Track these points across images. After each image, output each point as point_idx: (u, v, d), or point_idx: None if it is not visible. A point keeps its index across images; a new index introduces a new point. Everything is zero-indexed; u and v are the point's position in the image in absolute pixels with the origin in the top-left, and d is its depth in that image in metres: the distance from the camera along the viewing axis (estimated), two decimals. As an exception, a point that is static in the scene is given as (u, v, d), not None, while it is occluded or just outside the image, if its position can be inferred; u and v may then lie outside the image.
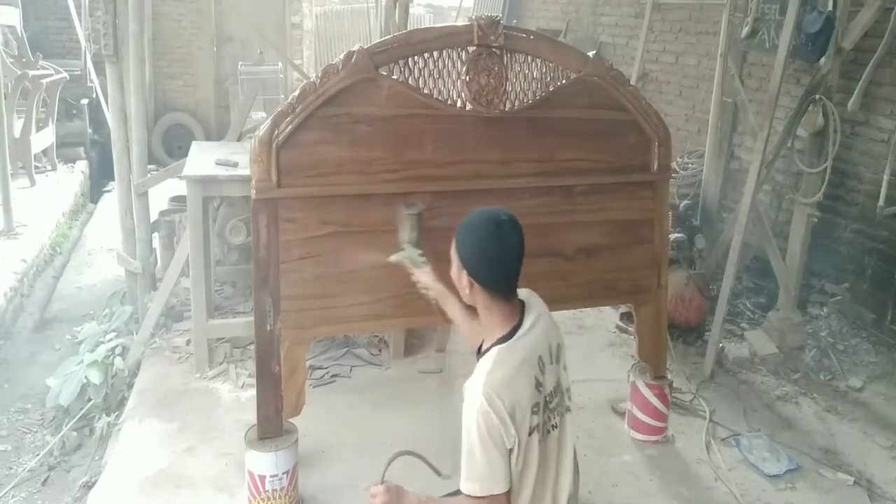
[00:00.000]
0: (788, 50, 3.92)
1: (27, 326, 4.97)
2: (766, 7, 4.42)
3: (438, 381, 3.92)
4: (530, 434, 1.79)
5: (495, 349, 1.83)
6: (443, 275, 2.72)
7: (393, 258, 2.50)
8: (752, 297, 4.99)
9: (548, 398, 1.86)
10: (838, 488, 3.22)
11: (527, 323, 1.87)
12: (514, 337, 1.84)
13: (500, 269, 1.85)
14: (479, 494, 1.75)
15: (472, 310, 2.07)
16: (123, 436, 3.35)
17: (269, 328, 2.58)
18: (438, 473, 2.02)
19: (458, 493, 1.80)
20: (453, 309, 2.32)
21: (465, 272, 1.86)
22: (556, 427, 1.90)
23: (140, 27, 4.03)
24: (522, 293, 1.95)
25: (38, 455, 3.60)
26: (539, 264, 2.87)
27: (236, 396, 3.66)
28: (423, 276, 2.44)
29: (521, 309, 1.91)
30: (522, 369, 1.80)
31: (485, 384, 1.74)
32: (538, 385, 1.82)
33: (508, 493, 1.78)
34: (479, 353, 1.93)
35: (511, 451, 1.76)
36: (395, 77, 2.64)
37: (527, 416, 1.78)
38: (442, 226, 2.75)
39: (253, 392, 2.88)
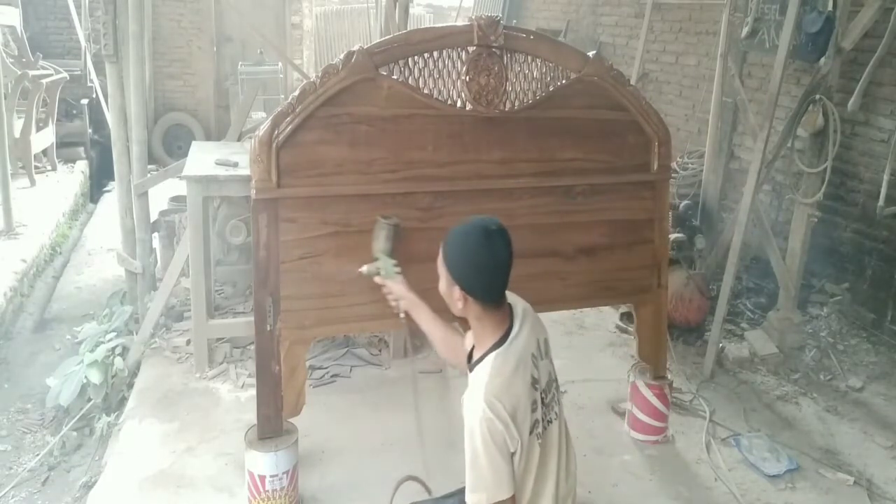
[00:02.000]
0: (788, 50, 3.92)
1: (27, 326, 4.96)
2: (766, 7, 4.42)
3: (438, 381, 3.92)
4: (531, 432, 1.80)
5: (491, 356, 1.82)
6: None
7: (364, 269, 2.48)
8: (752, 297, 4.99)
9: (543, 393, 1.87)
10: (838, 488, 3.22)
11: (516, 325, 1.88)
12: (507, 341, 1.84)
13: (494, 280, 1.84)
14: (488, 499, 1.75)
15: (445, 319, 2.08)
16: (123, 436, 3.35)
17: (269, 328, 2.58)
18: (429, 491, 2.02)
19: None
20: (426, 320, 2.30)
21: (456, 287, 1.84)
22: (554, 420, 1.91)
23: (140, 27, 4.03)
24: (511, 298, 1.95)
25: (38, 455, 3.60)
26: (539, 264, 2.88)
27: (236, 396, 3.66)
28: (396, 287, 2.41)
29: (510, 311, 1.91)
30: (519, 370, 1.80)
31: (486, 392, 1.74)
32: (534, 382, 1.84)
33: (514, 497, 1.78)
34: (470, 361, 1.93)
35: (514, 454, 1.76)
36: (395, 77, 2.64)
37: (528, 416, 1.78)
38: (443, 226, 2.75)
39: (253, 392, 2.89)
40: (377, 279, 2.46)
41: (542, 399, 1.86)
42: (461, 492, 1.98)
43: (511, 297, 1.95)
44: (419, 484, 2.11)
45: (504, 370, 1.79)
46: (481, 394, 1.74)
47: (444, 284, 1.90)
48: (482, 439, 1.72)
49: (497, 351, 1.82)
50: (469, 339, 2.02)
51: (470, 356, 1.95)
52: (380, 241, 2.52)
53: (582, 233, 3.00)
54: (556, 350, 2.11)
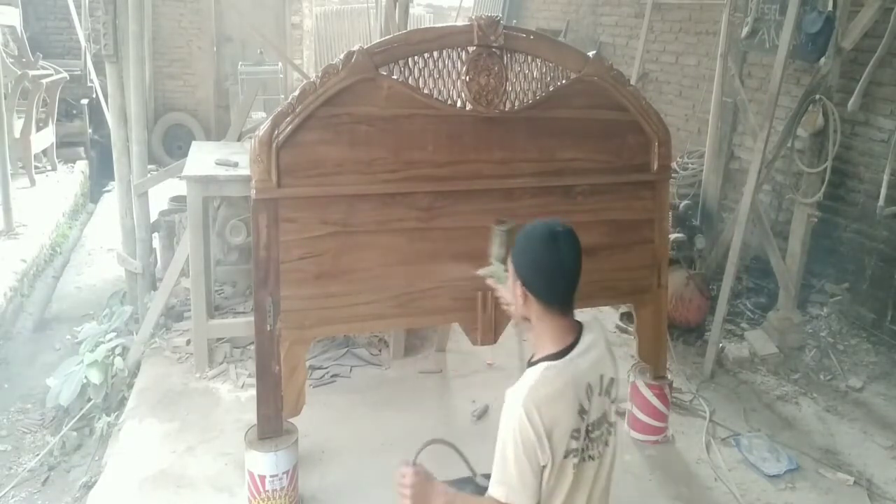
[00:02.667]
0: (788, 50, 3.92)
1: (27, 326, 4.97)
2: (766, 7, 4.42)
3: (438, 381, 3.92)
4: (566, 457, 1.76)
5: (543, 364, 1.79)
6: (445, 269, 2.74)
7: (481, 272, 2.47)
8: (752, 297, 4.99)
9: (590, 427, 1.82)
10: (838, 488, 3.22)
11: (581, 346, 1.84)
12: (566, 357, 1.80)
13: (554, 282, 1.82)
14: (504, 501, 1.74)
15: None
16: (123, 436, 3.35)
17: (269, 328, 2.58)
18: (473, 473, 1.99)
19: (484, 494, 1.79)
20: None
21: (519, 282, 1.84)
22: (595, 458, 1.86)
23: (140, 27, 4.03)
24: (585, 318, 1.92)
25: (38, 455, 3.60)
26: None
27: (236, 396, 3.66)
28: (506, 293, 2.42)
29: (577, 330, 1.87)
30: (568, 391, 1.76)
31: (527, 397, 1.71)
32: (582, 411, 1.78)
33: None
34: (529, 364, 1.90)
35: (544, 468, 1.73)
36: (395, 77, 2.64)
37: (565, 439, 1.74)
38: (443, 226, 2.76)
39: (253, 392, 2.89)
40: (489, 281, 2.43)
41: (587, 431, 1.81)
42: (466, 481, 2.01)
43: (589, 322, 1.92)
44: (448, 447, 2.08)
45: (553, 385, 1.75)
46: (522, 398, 1.72)
47: (510, 280, 1.90)
48: (513, 442, 1.71)
49: (552, 363, 1.79)
50: (530, 347, 1.97)
51: (530, 361, 1.92)
52: (494, 247, 2.50)
53: (582, 233, 2.93)
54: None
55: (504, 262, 2.41)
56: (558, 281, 1.83)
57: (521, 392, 1.73)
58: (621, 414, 3.58)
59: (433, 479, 1.85)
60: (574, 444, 1.77)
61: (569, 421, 1.75)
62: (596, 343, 1.88)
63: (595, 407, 1.83)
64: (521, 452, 1.71)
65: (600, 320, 1.98)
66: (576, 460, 1.79)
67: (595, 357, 1.86)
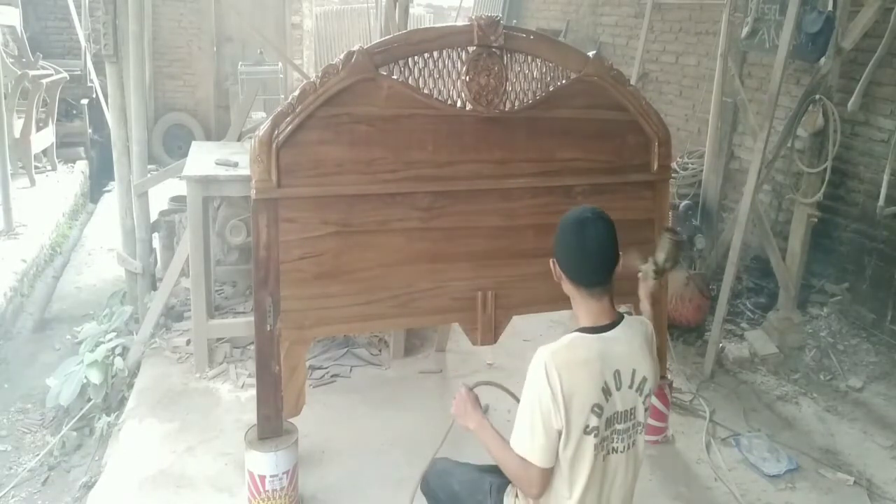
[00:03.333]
0: (788, 50, 3.92)
1: (27, 326, 4.97)
2: (766, 7, 4.42)
3: (438, 381, 3.92)
4: (586, 432, 1.81)
5: (574, 334, 1.89)
6: (445, 269, 2.74)
7: (642, 267, 2.55)
8: (752, 297, 4.99)
9: (616, 416, 1.87)
10: (838, 488, 3.22)
11: (616, 332, 1.92)
12: (597, 334, 1.89)
13: (581, 263, 1.93)
14: (518, 452, 1.84)
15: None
16: (123, 436, 3.35)
17: (269, 328, 2.58)
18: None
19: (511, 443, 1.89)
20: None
21: (556, 263, 1.99)
22: (622, 453, 1.91)
23: (140, 27, 4.03)
24: (631, 318, 1.99)
25: (38, 455, 3.60)
26: (539, 264, 2.85)
27: (236, 396, 3.66)
28: (643, 290, 2.51)
29: (615, 318, 1.94)
30: (592, 363, 1.83)
31: (549, 358, 1.80)
32: (606, 391, 1.84)
33: (546, 473, 1.82)
34: None
35: (560, 433, 1.79)
36: (395, 77, 2.64)
37: (584, 411, 1.80)
38: (443, 226, 2.76)
39: (253, 392, 2.89)
40: (640, 275, 2.53)
41: (612, 419, 1.87)
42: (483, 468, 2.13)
43: (633, 319, 2.01)
44: (495, 387, 2.34)
45: (576, 352, 1.84)
46: (546, 357, 1.81)
47: (554, 260, 2.02)
48: (530, 398, 1.81)
49: (581, 334, 1.89)
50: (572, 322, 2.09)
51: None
52: (658, 250, 2.56)
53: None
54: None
55: (660, 267, 2.51)
56: (584, 263, 1.93)
57: (548, 351, 1.83)
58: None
59: (479, 405, 2.07)
60: (595, 422, 1.82)
61: (590, 393, 1.81)
62: (634, 338, 1.95)
63: (623, 397, 1.88)
64: (537, 409, 1.79)
65: (648, 324, 2.06)
66: (596, 441, 1.83)
67: (630, 349, 1.92)
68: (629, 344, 1.92)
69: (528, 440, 1.81)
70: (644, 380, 1.92)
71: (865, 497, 3.18)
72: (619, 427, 1.89)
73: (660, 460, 3.32)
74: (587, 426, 1.81)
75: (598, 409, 1.82)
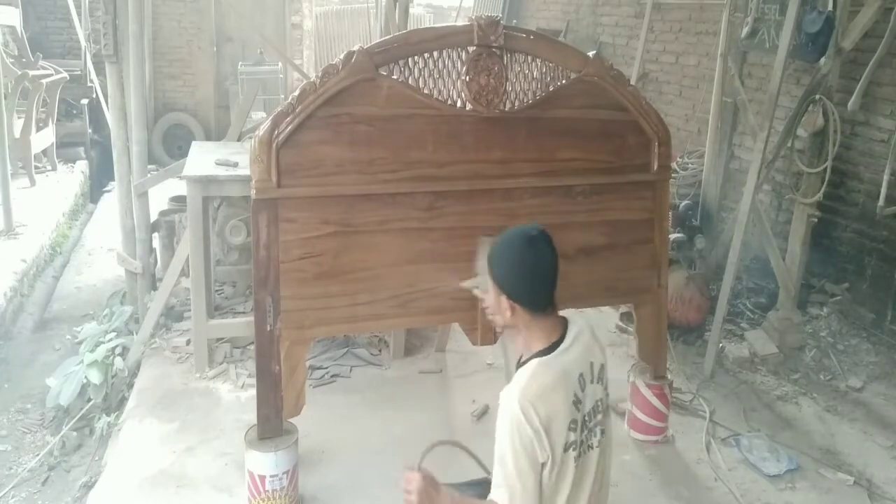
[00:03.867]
0: (788, 50, 3.92)
1: (27, 326, 4.97)
2: (766, 7, 4.43)
3: (438, 381, 3.92)
4: (566, 450, 1.77)
5: (534, 362, 1.80)
6: (445, 269, 2.74)
7: (466, 283, 2.47)
8: (752, 297, 4.99)
9: (586, 417, 1.84)
10: (838, 488, 3.22)
11: (568, 339, 1.85)
12: (555, 352, 1.82)
13: (540, 285, 1.83)
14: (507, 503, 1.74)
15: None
16: (123, 436, 3.35)
17: (269, 328, 2.58)
18: (487, 472, 1.96)
19: (488, 499, 1.78)
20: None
21: (503, 296, 1.84)
22: (595, 448, 1.88)
23: (140, 27, 4.04)
24: (566, 313, 1.93)
25: (38, 455, 3.60)
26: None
27: (236, 396, 3.66)
28: (491, 303, 2.42)
29: (563, 325, 1.89)
30: (560, 384, 1.77)
31: (521, 396, 1.72)
32: (576, 402, 1.80)
33: None
34: (518, 365, 1.91)
35: (544, 465, 1.74)
36: (395, 77, 2.64)
37: (563, 433, 1.75)
38: (443, 226, 2.76)
39: (253, 392, 2.89)
40: (476, 292, 2.43)
41: (583, 422, 1.83)
42: (477, 483, 2.01)
43: (571, 316, 1.94)
44: (457, 448, 2.04)
45: (545, 379, 1.77)
46: (516, 396, 1.72)
47: (492, 295, 1.89)
48: (511, 442, 1.71)
49: (542, 359, 1.81)
50: (520, 348, 1.97)
51: (519, 361, 1.94)
52: (481, 259, 2.50)
53: (582, 233, 3.00)
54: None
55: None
56: (541, 284, 1.84)
57: (515, 390, 1.74)
58: (621, 414, 3.58)
59: (438, 483, 1.82)
60: (573, 437, 1.78)
61: (565, 413, 1.77)
62: (581, 333, 1.90)
63: (589, 395, 1.85)
64: (521, 452, 1.71)
65: (581, 318, 1.97)
66: (575, 453, 1.80)
67: (583, 347, 1.88)
68: (581, 344, 1.88)
69: (519, 489, 1.72)
70: (602, 367, 1.91)
71: (865, 497, 3.18)
72: (590, 425, 1.86)
73: (660, 460, 3.32)
74: (566, 444, 1.77)
75: (573, 425, 1.78)
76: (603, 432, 1.91)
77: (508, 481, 1.73)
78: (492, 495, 1.77)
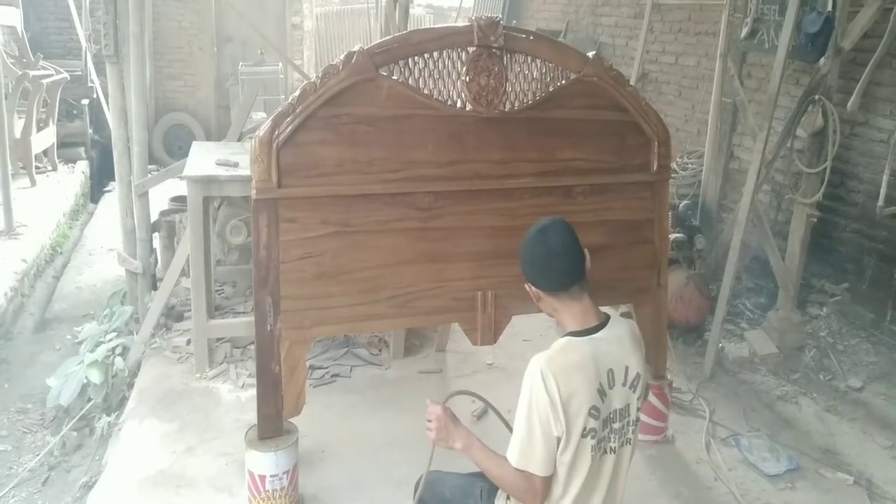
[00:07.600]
0: (788, 50, 3.92)
1: (27, 326, 4.97)
2: (766, 7, 4.42)
3: (438, 381, 3.92)
4: (584, 436, 1.80)
5: (565, 338, 1.88)
6: (445, 269, 2.75)
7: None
8: (752, 297, 4.99)
9: (612, 414, 1.87)
10: (838, 488, 3.22)
11: (604, 332, 1.91)
12: (587, 336, 1.88)
13: (551, 269, 1.93)
14: (515, 465, 1.80)
15: None
16: (123, 436, 3.35)
17: (269, 328, 2.58)
18: (508, 426, 2.02)
19: (502, 455, 1.86)
20: None
21: (530, 285, 1.98)
22: (615, 453, 1.90)
23: (140, 27, 4.04)
24: (616, 317, 1.99)
25: (38, 455, 3.60)
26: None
27: (236, 396, 3.66)
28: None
29: (601, 318, 1.94)
30: (586, 365, 1.82)
31: (545, 364, 1.79)
32: (601, 392, 1.83)
33: (548, 480, 1.80)
34: None
35: (559, 440, 1.78)
36: (395, 77, 2.64)
37: (582, 414, 1.79)
38: (443, 226, 2.76)
39: (253, 392, 2.89)
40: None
41: (608, 419, 1.86)
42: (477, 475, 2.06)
43: (619, 318, 2.00)
44: (474, 397, 2.25)
45: (570, 356, 1.82)
46: (541, 363, 1.79)
47: (530, 291, 2.01)
48: (528, 407, 1.79)
49: (573, 338, 1.88)
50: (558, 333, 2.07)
51: None
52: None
53: (582, 233, 2.93)
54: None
55: None
56: (554, 266, 1.92)
57: (542, 358, 1.81)
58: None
59: (457, 419, 1.99)
60: (592, 424, 1.81)
61: (586, 395, 1.80)
62: (622, 335, 1.94)
63: (617, 395, 1.88)
64: (535, 418, 1.77)
65: (633, 324, 2.05)
66: (593, 442, 1.82)
67: (620, 346, 1.91)
68: (619, 342, 1.91)
69: (528, 451, 1.79)
70: (637, 376, 1.92)
71: (865, 497, 3.18)
72: (615, 426, 1.89)
73: (660, 460, 3.32)
74: (585, 429, 1.80)
75: (595, 412, 1.81)
76: (627, 443, 1.93)
77: (521, 443, 1.80)
78: (507, 452, 1.84)
